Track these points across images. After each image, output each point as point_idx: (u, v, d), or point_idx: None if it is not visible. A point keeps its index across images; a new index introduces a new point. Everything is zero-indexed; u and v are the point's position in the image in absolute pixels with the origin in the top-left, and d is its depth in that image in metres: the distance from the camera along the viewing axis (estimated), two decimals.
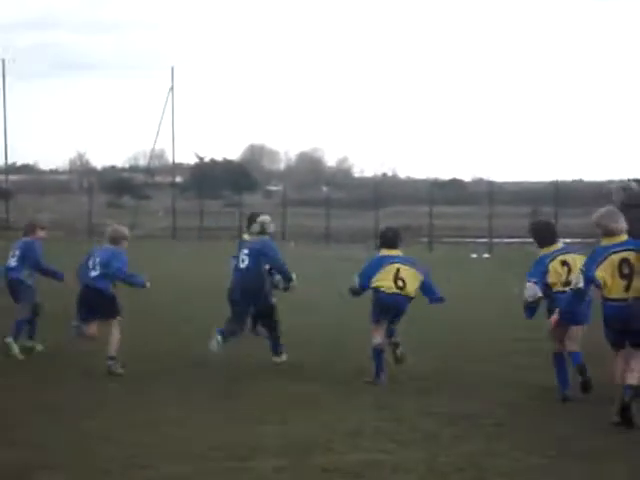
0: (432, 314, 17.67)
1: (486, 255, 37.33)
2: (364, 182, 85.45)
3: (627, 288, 9.50)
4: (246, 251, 12.89)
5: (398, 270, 11.78)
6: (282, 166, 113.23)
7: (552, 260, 10.67)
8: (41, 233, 13.96)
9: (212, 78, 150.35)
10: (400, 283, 11.76)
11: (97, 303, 12.29)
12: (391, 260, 11.88)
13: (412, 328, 15.69)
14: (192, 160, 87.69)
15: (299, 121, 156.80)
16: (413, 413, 9.88)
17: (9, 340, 13.20)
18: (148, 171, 72.55)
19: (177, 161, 73.13)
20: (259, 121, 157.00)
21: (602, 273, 9.49)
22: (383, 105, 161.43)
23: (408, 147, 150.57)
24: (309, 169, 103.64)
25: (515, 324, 14.48)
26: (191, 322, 16.28)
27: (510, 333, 15.20)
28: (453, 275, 21.36)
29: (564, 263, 10.63)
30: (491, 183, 51.67)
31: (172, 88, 57.49)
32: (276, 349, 13.00)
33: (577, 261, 10.39)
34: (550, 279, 10.62)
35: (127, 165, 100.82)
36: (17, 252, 13.67)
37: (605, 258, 9.54)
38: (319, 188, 71.94)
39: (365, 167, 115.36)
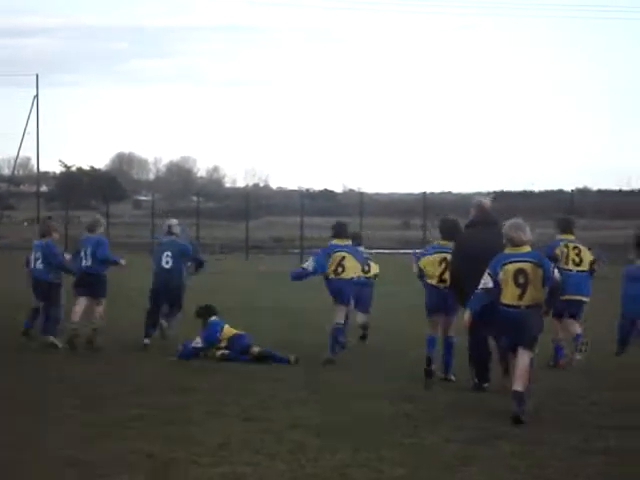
0: (314, 321, 17.69)
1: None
2: (235, 192, 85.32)
3: (521, 297, 10.18)
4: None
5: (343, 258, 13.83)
6: (152, 176, 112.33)
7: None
8: (56, 235, 15.66)
9: (78, 85, 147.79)
10: (340, 269, 13.84)
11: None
12: (339, 249, 13.92)
13: (291, 334, 15.73)
14: (58, 169, 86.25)
15: (169, 130, 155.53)
16: (281, 425, 9.79)
17: (52, 339, 14.84)
18: (12, 180, 70.94)
19: (42, 170, 71.86)
20: (127, 129, 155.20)
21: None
22: (254, 114, 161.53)
23: (279, 157, 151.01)
24: (179, 179, 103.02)
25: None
26: None
27: (385, 341, 15.29)
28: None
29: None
30: (362, 194, 52.06)
31: (37, 96, 56.39)
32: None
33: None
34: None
35: None
36: (39, 254, 15.18)
37: (504, 265, 10.28)
38: (189, 198, 71.48)
39: (236, 177, 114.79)
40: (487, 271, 10.43)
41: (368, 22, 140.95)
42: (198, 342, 13.94)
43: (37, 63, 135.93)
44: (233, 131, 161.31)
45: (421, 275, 12.67)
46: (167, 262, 15.31)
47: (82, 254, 15.00)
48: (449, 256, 12.32)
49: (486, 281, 10.42)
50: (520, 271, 10.22)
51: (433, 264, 12.48)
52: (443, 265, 12.39)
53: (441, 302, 12.41)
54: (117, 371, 13.09)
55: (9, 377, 12.55)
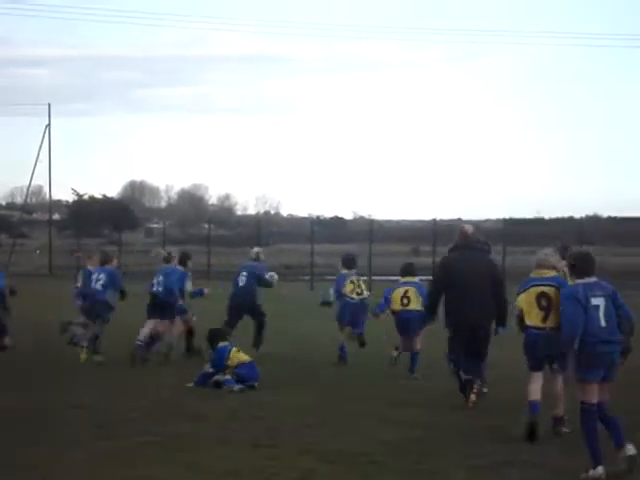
0: (312, 353, 17.74)
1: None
2: (246, 220, 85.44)
3: (544, 319, 10.74)
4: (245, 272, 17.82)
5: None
6: (163, 203, 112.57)
7: None
8: (115, 263, 17.86)
9: (90, 113, 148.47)
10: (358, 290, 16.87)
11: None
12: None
13: (289, 365, 15.78)
14: (70, 197, 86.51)
15: (180, 158, 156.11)
16: (291, 451, 9.83)
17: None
18: (25, 208, 71.19)
19: (55, 198, 72.09)
20: (139, 157, 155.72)
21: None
22: (265, 142, 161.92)
23: (290, 185, 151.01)
24: (190, 206, 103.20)
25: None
26: None
27: (390, 371, 15.34)
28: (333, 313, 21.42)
29: None
30: (372, 221, 52.15)
31: (49, 125, 56.60)
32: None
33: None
34: None
35: (3, 202, 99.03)
36: (102, 277, 16.91)
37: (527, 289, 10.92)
38: (201, 225, 71.59)
39: (247, 205, 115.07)
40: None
41: (376, 51, 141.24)
42: (208, 368, 14.02)
43: (50, 92, 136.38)
44: (244, 159, 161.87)
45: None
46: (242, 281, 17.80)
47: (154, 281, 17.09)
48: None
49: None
50: (542, 294, 10.76)
51: None
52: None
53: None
54: (131, 394, 13.19)
55: (26, 399, 12.62)
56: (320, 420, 11.51)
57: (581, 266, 9.31)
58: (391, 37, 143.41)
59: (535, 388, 10.76)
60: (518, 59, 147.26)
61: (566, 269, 10.23)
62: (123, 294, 17.22)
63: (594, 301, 9.07)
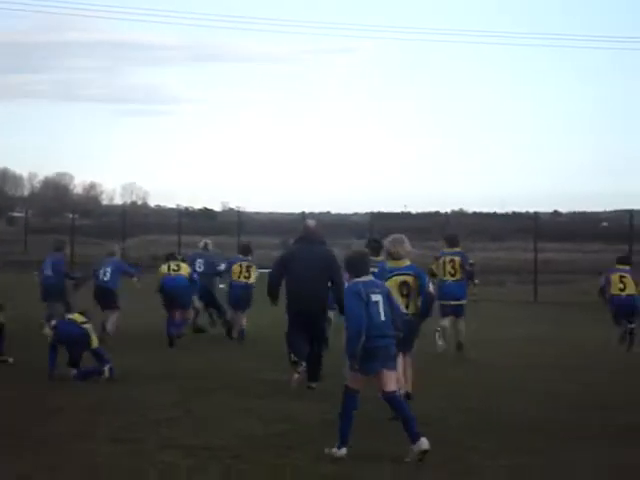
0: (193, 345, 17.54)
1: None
2: (112, 210, 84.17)
3: (407, 306, 11.35)
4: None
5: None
6: (26, 192, 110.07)
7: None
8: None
9: None
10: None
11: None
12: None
13: (155, 356, 15.52)
14: None
15: (44, 145, 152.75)
16: (153, 446, 9.61)
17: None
18: None
19: None
20: (1, 144, 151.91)
21: None
22: (132, 131, 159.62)
23: (158, 176, 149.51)
24: (55, 195, 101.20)
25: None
26: None
27: (256, 364, 15.20)
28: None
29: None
30: (240, 213, 51.94)
31: None
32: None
33: None
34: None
35: None
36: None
37: (389, 278, 11.30)
38: (65, 215, 70.19)
39: (114, 195, 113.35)
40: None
41: (244, 42, 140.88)
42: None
43: None
44: (110, 148, 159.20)
45: None
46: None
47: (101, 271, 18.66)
48: None
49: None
50: (404, 283, 11.48)
51: None
52: None
53: None
54: None
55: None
56: (182, 414, 11.30)
57: (360, 266, 9.81)
58: (254, 29, 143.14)
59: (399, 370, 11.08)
60: (390, 51, 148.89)
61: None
62: None
63: (374, 297, 9.59)
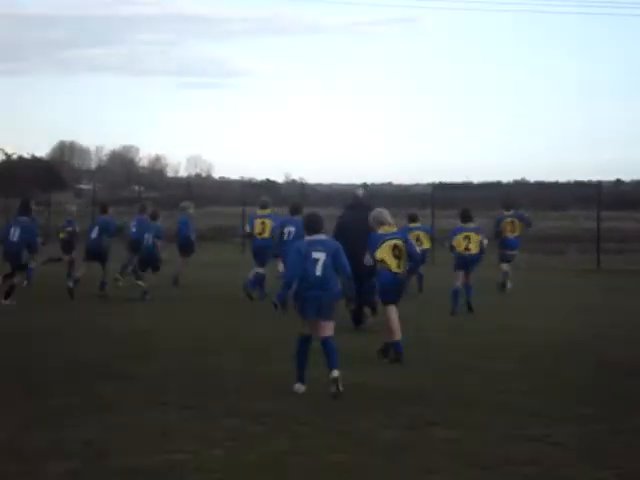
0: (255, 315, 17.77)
1: None
2: (177, 182, 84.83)
3: (398, 266, 13.32)
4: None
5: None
6: (93, 165, 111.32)
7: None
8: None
9: (19, 73, 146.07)
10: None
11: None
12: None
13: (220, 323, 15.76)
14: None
15: (111, 119, 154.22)
16: (219, 412, 9.85)
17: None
18: None
19: None
20: (69, 118, 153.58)
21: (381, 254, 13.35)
22: (196, 104, 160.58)
23: (222, 148, 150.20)
24: (121, 168, 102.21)
25: None
26: None
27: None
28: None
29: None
30: (303, 185, 52.18)
31: None
32: None
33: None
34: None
35: None
36: (96, 227, 21.07)
37: (383, 242, 13.34)
38: (131, 188, 70.93)
39: (179, 167, 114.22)
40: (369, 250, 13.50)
41: (307, 13, 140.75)
42: None
43: None
44: (175, 121, 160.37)
45: None
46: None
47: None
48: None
49: (367, 259, 13.58)
50: (395, 246, 13.32)
51: None
52: None
53: None
54: (56, 352, 13.14)
55: None
56: (248, 381, 11.54)
57: (310, 225, 11.27)
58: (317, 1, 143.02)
59: (395, 317, 13.25)
60: (456, 22, 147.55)
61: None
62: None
63: (315, 255, 10.92)
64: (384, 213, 13.70)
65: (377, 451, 8.47)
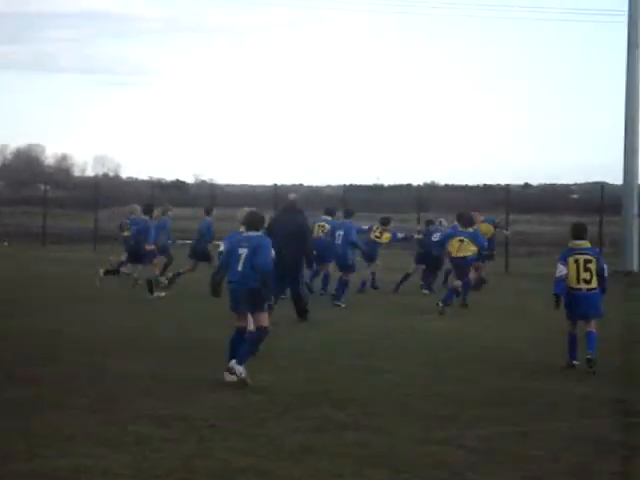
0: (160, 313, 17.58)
1: None
2: (84, 182, 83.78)
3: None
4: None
5: None
6: None
7: None
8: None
9: None
10: None
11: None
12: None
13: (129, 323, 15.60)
14: None
15: (15, 116, 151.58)
16: (126, 415, 9.74)
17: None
18: None
19: None
20: None
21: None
22: (103, 103, 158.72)
23: (129, 147, 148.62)
24: (26, 166, 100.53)
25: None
26: None
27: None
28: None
29: None
30: (213, 185, 52.00)
31: None
32: None
33: None
34: None
35: None
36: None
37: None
38: (37, 186, 69.80)
39: (86, 167, 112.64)
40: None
41: (214, 12, 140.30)
42: None
43: None
44: (82, 119, 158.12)
45: None
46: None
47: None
48: None
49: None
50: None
51: None
52: None
53: None
54: None
55: None
56: (155, 385, 11.43)
57: (247, 222, 12.10)
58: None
59: None
60: (362, 22, 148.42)
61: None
62: None
63: (240, 251, 11.70)
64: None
65: (286, 455, 8.45)
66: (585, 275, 13.19)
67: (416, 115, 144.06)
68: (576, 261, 13.22)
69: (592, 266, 13.21)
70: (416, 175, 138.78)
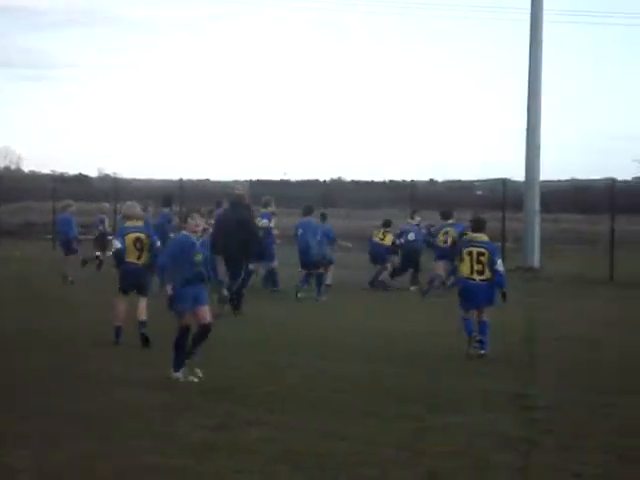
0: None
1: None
2: None
3: (138, 257, 14.39)
4: None
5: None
6: None
7: None
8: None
9: None
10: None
11: None
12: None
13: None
14: None
15: None
16: (27, 411, 9.65)
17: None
18: None
19: None
20: None
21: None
22: (5, 95, 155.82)
23: (32, 140, 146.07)
24: None
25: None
26: None
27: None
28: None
29: None
30: (117, 179, 51.36)
31: None
32: None
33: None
34: None
35: None
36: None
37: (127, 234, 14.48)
38: None
39: None
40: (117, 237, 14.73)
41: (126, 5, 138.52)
42: None
43: None
44: None
45: None
46: None
47: None
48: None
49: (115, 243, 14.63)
50: (137, 239, 14.35)
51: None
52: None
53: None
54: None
55: None
56: (57, 381, 11.32)
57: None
58: None
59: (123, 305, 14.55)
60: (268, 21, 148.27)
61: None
62: None
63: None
64: (132, 207, 14.83)
65: (190, 452, 8.42)
66: (478, 267, 13.95)
67: (323, 111, 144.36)
68: (470, 253, 14.01)
69: (484, 259, 13.92)
70: (323, 171, 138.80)
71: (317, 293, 21.32)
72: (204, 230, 13.91)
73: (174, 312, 11.60)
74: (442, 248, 23.21)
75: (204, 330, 11.63)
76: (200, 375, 11.49)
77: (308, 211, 22.77)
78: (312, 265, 21.67)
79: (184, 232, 11.93)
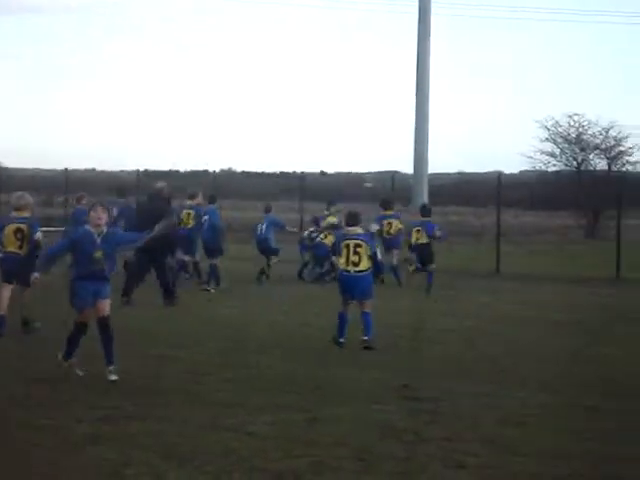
0: None
1: None
2: None
3: (20, 247, 14.30)
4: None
5: None
6: None
7: None
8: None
9: None
10: None
11: None
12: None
13: None
14: None
15: None
16: None
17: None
18: None
19: None
20: None
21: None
22: None
23: None
24: None
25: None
26: None
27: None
28: None
29: None
30: (0, 169, 50.26)
31: None
32: None
33: None
34: None
35: None
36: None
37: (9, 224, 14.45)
38: None
39: None
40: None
41: None
42: None
43: None
44: None
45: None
46: None
47: None
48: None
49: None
50: (18, 229, 14.27)
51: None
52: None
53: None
54: None
55: None
56: None
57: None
58: None
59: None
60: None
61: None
62: None
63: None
64: (21, 197, 14.80)
65: (71, 445, 8.29)
66: (354, 258, 14.17)
67: (212, 101, 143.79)
68: (347, 246, 14.20)
69: (361, 250, 14.15)
70: (213, 161, 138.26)
71: (206, 283, 22.10)
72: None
73: (74, 308, 11.29)
74: (388, 239, 24.15)
75: (101, 324, 11.16)
76: (85, 369, 11.25)
77: (212, 200, 23.93)
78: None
79: (87, 227, 11.26)
